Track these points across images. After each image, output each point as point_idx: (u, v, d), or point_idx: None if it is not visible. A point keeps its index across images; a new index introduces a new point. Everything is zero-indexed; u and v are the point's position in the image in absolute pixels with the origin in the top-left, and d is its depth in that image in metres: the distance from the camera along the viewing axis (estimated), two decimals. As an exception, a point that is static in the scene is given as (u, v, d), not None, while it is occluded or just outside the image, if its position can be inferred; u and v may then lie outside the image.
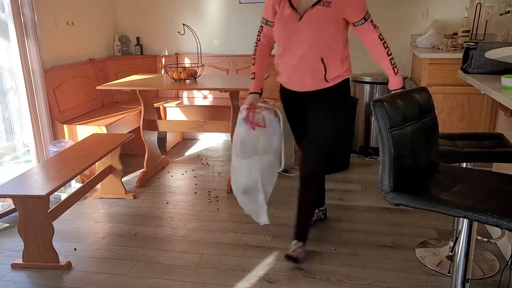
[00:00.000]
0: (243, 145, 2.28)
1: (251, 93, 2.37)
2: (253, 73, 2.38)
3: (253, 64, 2.38)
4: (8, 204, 2.96)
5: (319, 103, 2.28)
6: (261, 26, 2.33)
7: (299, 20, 2.14)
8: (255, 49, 2.37)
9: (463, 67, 2.47)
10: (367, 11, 2.20)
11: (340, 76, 2.25)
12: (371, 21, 2.20)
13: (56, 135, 3.50)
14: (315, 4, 2.11)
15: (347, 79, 2.33)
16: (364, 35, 2.20)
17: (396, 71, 2.16)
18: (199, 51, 4.47)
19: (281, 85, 2.40)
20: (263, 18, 2.31)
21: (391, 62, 2.16)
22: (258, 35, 2.35)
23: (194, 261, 2.40)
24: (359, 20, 2.18)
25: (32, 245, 2.35)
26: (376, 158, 3.90)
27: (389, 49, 2.17)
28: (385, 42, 2.18)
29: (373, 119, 3.88)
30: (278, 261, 2.37)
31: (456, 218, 2.33)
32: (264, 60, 2.38)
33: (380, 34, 2.18)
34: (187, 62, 4.48)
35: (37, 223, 2.31)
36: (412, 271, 2.25)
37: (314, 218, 2.71)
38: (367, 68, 4.18)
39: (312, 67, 2.20)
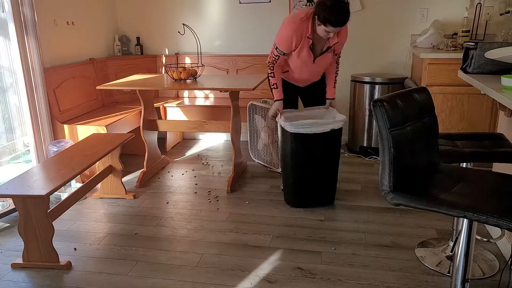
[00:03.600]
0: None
1: (276, 100, 2.97)
2: (274, 83, 2.93)
3: (272, 77, 2.92)
4: (8, 204, 2.97)
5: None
6: (278, 56, 2.85)
7: (313, 61, 2.88)
8: (273, 67, 2.91)
9: (463, 67, 2.47)
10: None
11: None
12: (338, 57, 3.05)
13: (56, 135, 3.50)
14: (325, 52, 2.88)
15: None
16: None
17: (334, 85, 3.09)
18: (199, 51, 4.47)
19: (286, 80, 3.08)
20: (281, 50, 2.82)
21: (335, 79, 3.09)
22: (274, 61, 2.88)
23: (194, 261, 2.40)
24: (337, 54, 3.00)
25: (32, 245, 2.35)
26: (376, 158, 3.90)
27: (337, 72, 3.10)
28: (338, 67, 3.09)
29: (373, 119, 3.88)
30: (278, 261, 2.37)
31: (456, 218, 2.33)
32: (280, 75, 2.98)
33: (338, 64, 3.09)
34: (187, 62, 4.48)
35: (37, 223, 2.31)
36: (412, 271, 2.25)
37: None
38: (369, 68, 4.18)
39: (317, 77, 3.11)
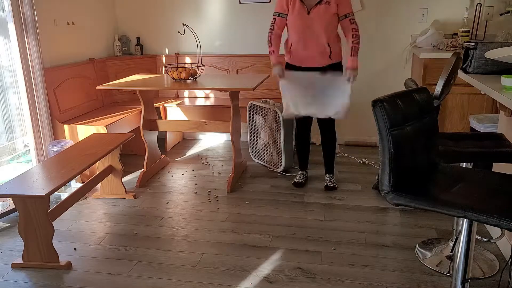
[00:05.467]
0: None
1: (275, 64, 3.00)
2: (272, 50, 3.02)
3: (270, 46, 3.03)
4: (8, 204, 2.96)
5: None
6: (274, 19, 2.99)
7: (308, 14, 2.89)
8: (270, 37, 3.02)
9: (463, 67, 2.47)
10: (351, 11, 2.92)
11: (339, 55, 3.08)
12: (350, 19, 2.91)
13: (56, 135, 3.50)
14: (318, 3, 2.88)
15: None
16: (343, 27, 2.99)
17: (352, 53, 2.93)
18: (199, 51, 4.47)
19: (287, 63, 3.10)
20: (276, 12, 2.98)
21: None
22: (271, 27, 3.01)
23: (194, 261, 2.40)
24: (343, 15, 2.91)
25: (32, 245, 2.35)
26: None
27: (356, 38, 2.92)
28: (356, 32, 2.92)
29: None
30: (278, 261, 2.37)
31: (456, 218, 2.33)
32: (277, 44, 3.06)
33: (354, 29, 2.91)
34: (187, 62, 4.48)
35: (37, 223, 2.31)
36: (412, 271, 2.25)
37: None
38: (369, 68, 4.17)
39: (320, 49, 2.99)
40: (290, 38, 3.04)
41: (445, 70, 2.11)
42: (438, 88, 2.14)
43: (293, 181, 3.38)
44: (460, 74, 2.47)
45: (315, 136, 4.41)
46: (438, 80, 2.14)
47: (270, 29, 3.02)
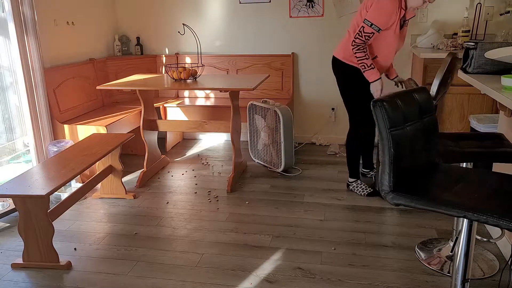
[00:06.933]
0: None
1: (376, 80, 2.79)
2: (370, 64, 2.76)
3: (366, 58, 2.75)
4: (8, 204, 2.97)
5: None
6: (373, 33, 2.72)
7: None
8: (366, 48, 2.74)
9: (463, 67, 2.47)
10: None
11: None
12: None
13: (56, 135, 3.50)
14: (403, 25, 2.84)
15: None
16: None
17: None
18: (199, 51, 4.47)
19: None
20: (377, 26, 2.69)
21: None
22: (367, 39, 2.73)
23: (194, 261, 2.40)
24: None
25: (32, 245, 2.35)
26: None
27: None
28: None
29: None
30: (278, 261, 2.37)
31: (456, 218, 2.33)
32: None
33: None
34: (187, 62, 4.48)
35: (37, 223, 2.31)
36: (412, 271, 2.25)
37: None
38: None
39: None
40: (378, 54, 2.88)
41: (440, 70, 2.12)
42: (433, 88, 2.14)
43: (365, 193, 3.15)
44: (460, 74, 2.47)
45: (315, 136, 4.41)
46: (434, 80, 2.14)
47: (364, 44, 2.72)
